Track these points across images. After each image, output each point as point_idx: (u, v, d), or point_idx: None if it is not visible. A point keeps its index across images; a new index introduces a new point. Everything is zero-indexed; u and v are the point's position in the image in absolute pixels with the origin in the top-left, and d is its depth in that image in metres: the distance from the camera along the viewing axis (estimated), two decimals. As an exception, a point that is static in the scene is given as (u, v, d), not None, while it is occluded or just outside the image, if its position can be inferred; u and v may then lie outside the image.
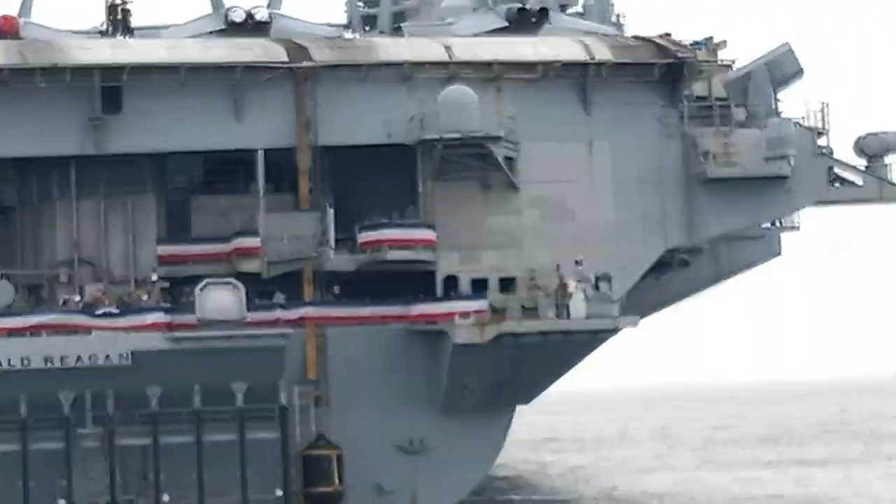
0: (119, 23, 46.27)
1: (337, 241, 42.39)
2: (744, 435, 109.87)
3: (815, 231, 55.75)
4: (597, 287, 42.70)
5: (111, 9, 46.16)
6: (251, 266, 42.21)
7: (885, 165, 47.08)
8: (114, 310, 41.18)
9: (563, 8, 52.22)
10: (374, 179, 44.20)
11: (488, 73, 43.15)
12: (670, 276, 51.85)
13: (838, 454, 76.21)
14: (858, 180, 46.89)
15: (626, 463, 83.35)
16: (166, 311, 41.34)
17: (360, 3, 53.99)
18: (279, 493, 41.01)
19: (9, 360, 40.45)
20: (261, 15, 44.91)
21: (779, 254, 56.82)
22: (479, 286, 43.71)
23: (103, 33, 46.22)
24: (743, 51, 48.95)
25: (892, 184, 47.34)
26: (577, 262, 42.64)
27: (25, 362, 40.18)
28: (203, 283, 41.18)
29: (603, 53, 44.15)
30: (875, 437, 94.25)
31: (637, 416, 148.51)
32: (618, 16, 53.40)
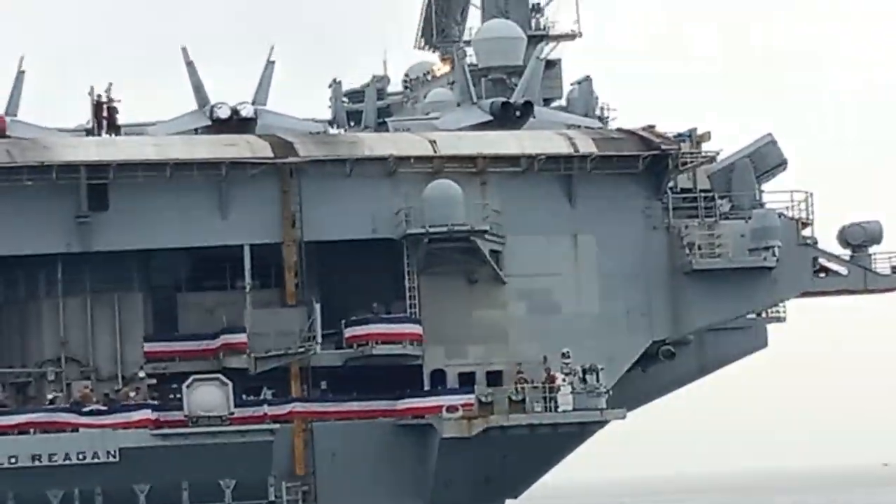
0: (105, 120, 46.46)
1: (323, 336, 42.53)
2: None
3: (801, 322, 55.00)
4: (584, 379, 42.39)
5: (97, 107, 46.11)
6: (238, 362, 42.24)
7: (869, 255, 47.15)
8: (101, 407, 41.14)
9: (546, 101, 52.36)
10: (361, 274, 44.22)
11: (473, 168, 43.25)
12: (657, 368, 50.61)
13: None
14: (843, 270, 47.17)
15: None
16: (153, 408, 41.39)
17: (345, 99, 53.22)
18: None
19: (-3, 458, 40.88)
20: (246, 111, 45.01)
21: (765, 345, 55.88)
22: (466, 380, 43.81)
23: (89, 131, 46.15)
24: (726, 142, 48.76)
25: (877, 273, 47.74)
26: (563, 355, 42.37)
27: (13, 461, 40.08)
28: (190, 379, 41.00)
29: (587, 146, 44.31)
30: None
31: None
32: (602, 108, 52.80)
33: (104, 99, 45.85)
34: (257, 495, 41.58)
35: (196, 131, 46.20)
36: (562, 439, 44.02)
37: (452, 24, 56.89)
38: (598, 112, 52.67)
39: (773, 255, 44.82)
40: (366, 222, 43.44)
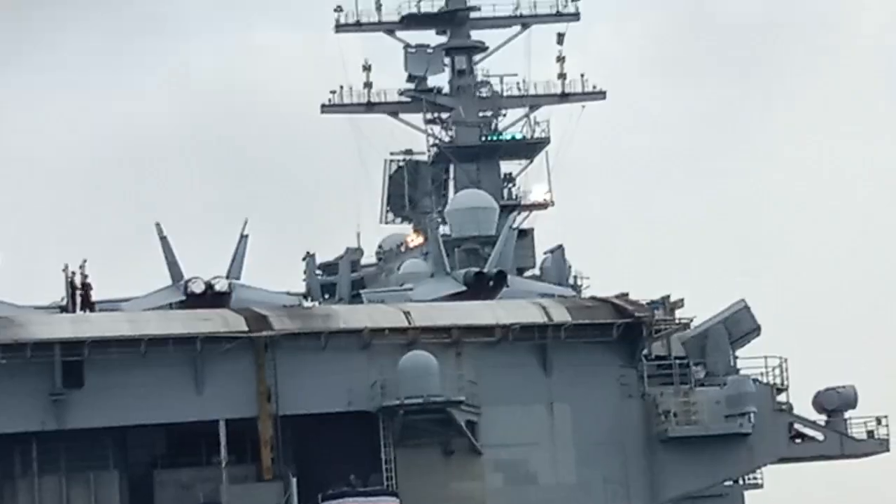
0: (80, 297, 46.58)
1: None
2: None
3: (778, 488, 55.12)
4: None
5: (71, 285, 46.39)
6: None
7: (845, 420, 46.85)
8: None
9: (520, 271, 53.08)
10: (337, 447, 43.50)
11: (448, 338, 42.78)
12: None
13: None
14: (819, 436, 46.82)
15: None
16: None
17: (319, 272, 53.98)
18: None
19: None
20: (220, 285, 45.04)
21: None
22: None
23: (63, 308, 46.15)
24: (700, 308, 48.90)
25: (853, 438, 47.02)
26: None
27: None
28: None
29: (561, 315, 43.95)
30: None
31: None
32: (575, 277, 53.88)
33: (78, 276, 45.96)
34: None
35: (171, 306, 46.03)
36: None
37: (424, 196, 57.24)
38: (571, 280, 53.45)
39: (749, 421, 44.17)
40: (341, 395, 43.04)
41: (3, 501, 43.74)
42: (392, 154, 58.98)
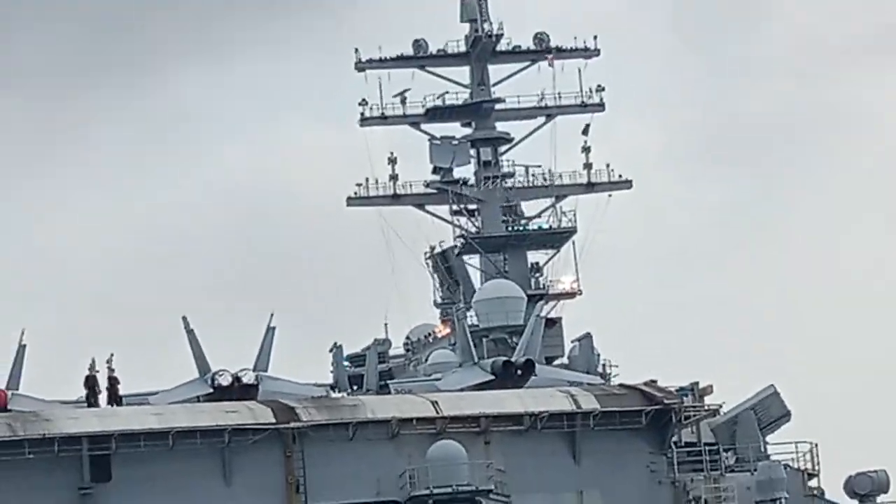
0: (94, 394, 46.38)
1: None
2: None
3: None
4: None
5: (88, 380, 45.95)
6: None
7: None
8: None
9: (548, 360, 52.61)
10: None
11: (476, 427, 42.45)
12: None
13: None
14: None
15: None
16: None
17: (347, 364, 53.76)
18: None
19: None
20: (248, 378, 44.65)
21: None
22: None
23: (91, 402, 45.67)
24: (729, 394, 48.57)
25: None
26: None
27: None
28: None
29: (589, 403, 43.64)
30: None
31: None
32: (604, 365, 53.14)
33: (106, 370, 45.49)
34: None
35: (198, 399, 45.68)
36: None
37: (453, 288, 57.14)
38: (599, 368, 52.71)
39: None
40: (370, 485, 42.53)
41: None
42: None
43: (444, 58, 59.00)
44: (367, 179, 61.31)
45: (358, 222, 65.03)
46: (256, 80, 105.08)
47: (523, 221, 62.26)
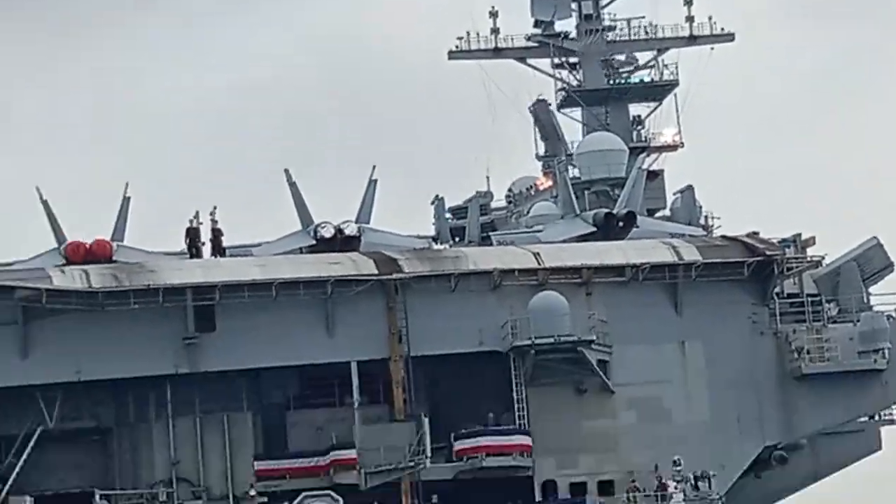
0: (196, 246, 47.33)
1: (433, 449, 42.45)
2: None
3: None
4: (696, 487, 42.14)
5: (189, 232, 46.83)
6: (348, 478, 42.15)
7: None
8: None
9: (650, 212, 52.83)
10: (468, 387, 43.70)
11: (578, 278, 43.02)
12: (770, 474, 49.77)
13: None
14: None
15: None
16: (265, 527, 42.24)
17: (449, 215, 54.25)
18: None
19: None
20: (350, 230, 45.25)
21: (879, 448, 54.74)
22: (578, 490, 43.53)
23: (191, 255, 47.41)
24: (831, 246, 48.69)
25: None
26: (674, 463, 41.93)
27: None
28: (301, 496, 41.52)
29: (691, 254, 44.30)
30: None
31: None
32: (706, 217, 53.02)
33: (210, 222, 46.60)
34: None
35: (301, 251, 46.60)
36: None
37: (554, 141, 57.15)
38: (701, 220, 52.85)
39: (884, 357, 44.46)
40: (472, 335, 43.04)
41: (140, 444, 45.39)
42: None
43: (544, -89, 58.91)
44: (468, 33, 60.62)
45: (460, 76, 65.02)
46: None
47: (625, 74, 62.27)
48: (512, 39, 61.15)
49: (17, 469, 44.85)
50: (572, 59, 61.97)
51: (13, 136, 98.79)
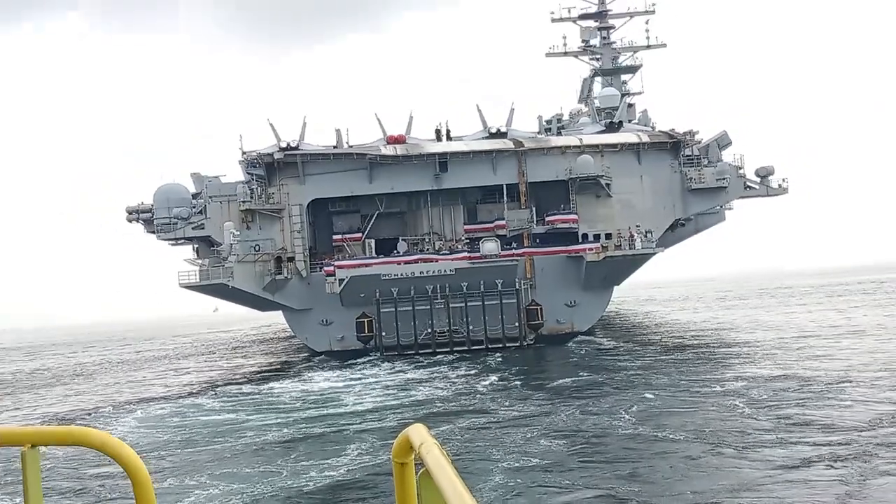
0: (440, 135, 75.76)
1: (536, 220, 72.93)
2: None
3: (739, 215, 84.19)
4: (646, 235, 70.22)
5: (436, 132, 76.38)
6: (500, 231, 73.96)
7: (770, 179, 75.81)
8: (446, 253, 72.67)
9: (630, 121, 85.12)
10: (552, 195, 74.53)
11: (597, 149, 73.03)
12: (677, 231, 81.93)
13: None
14: (756, 187, 76.11)
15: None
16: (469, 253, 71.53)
17: (546, 122, 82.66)
18: (516, 324, 70.79)
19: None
20: (502, 128, 75.83)
21: (724, 220, 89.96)
22: (597, 237, 72.17)
23: (438, 139, 76.52)
24: (707, 133, 78.56)
25: (773, 187, 76.38)
26: (637, 226, 70.35)
27: (407, 273, 71.45)
28: (482, 243, 71.48)
29: (645, 138, 73.94)
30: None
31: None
32: (652, 122, 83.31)
33: (445, 126, 76.36)
34: (511, 287, 70.50)
35: (484, 138, 75.58)
36: (635, 261, 72.30)
37: None
38: (650, 124, 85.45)
39: (726, 182, 73.53)
40: (555, 173, 73.81)
41: (420, 219, 77.44)
42: None
43: None
44: (559, 42, 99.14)
45: (549, 64, 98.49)
46: None
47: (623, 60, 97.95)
48: (572, 46, 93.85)
49: (367, 229, 75.92)
50: (597, 56, 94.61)
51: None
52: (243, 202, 73.28)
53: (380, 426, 39.18)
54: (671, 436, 33.05)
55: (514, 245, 74.37)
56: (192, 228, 75.30)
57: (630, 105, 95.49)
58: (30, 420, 51.05)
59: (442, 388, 51.18)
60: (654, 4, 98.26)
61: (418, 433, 4.25)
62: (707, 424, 34.74)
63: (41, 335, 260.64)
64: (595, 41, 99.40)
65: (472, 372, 58.78)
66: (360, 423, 40.23)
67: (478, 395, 47.36)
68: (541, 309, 72.75)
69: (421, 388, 51.93)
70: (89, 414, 51.19)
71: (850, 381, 42.79)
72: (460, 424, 38.21)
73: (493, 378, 54.50)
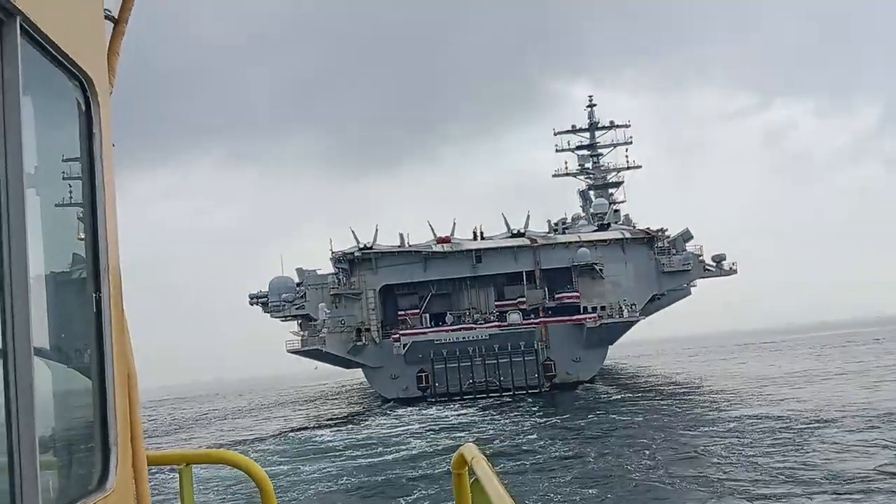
0: (476, 235, 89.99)
1: (543, 295, 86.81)
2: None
3: (701, 290, 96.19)
4: (631, 307, 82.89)
5: (474, 232, 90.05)
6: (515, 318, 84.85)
7: (723, 263, 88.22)
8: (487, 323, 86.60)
9: (616, 222, 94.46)
10: (560, 279, 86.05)
11: (592, 243, 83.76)
12: (654, 303, 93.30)
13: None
14: (713, 269, 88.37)
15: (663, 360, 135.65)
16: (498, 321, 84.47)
17: (554, 224, 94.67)
18: (535, 375, 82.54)
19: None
20: (519, 230, 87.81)
21: (690, 294, 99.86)
22: (594, 309, 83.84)
23: (475, 238, 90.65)
24: (675, 229, 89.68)
25: (725, 269, 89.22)
26: (624, 300, 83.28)
27: (454, 338, 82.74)
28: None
29: (628, 235, 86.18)
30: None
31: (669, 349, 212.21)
32: (633, 222, 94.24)
33: (479, 229, 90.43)
34: (531, 347, 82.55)
35: (508, 237, 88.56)
36: (624, 326, 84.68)
37: None
38: (632, 224, 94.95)
39: (689, 266, 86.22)
40: (564, 261, 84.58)
41: (461, 299, 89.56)
42: None
43: None
44: (561, 165, 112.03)
45: (555, 183, 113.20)
46: None
47: (609, 177, 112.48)
48: (571, 169, 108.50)
49: (423, 306, 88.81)
50: (590, 175, 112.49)
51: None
52: (333, 288, 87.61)
53: (439, 446, 45.43)
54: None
55: (532, 316, 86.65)
56: (296, 308, 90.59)
57: (616, 210, 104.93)
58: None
59: (480, 419, 60.70)
60: (631, 137, 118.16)
61: (470, 450, 4.87)
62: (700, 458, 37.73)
63: (195, 387, 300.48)
64: (588, 165, 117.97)
65: (504, 410, 68.73)
66: (426, 444, 47.92)
67: (506, 424, 56.62)
68: (554, 363, 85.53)
69: (464, 419, 61.82)
70: (232, 441, 61.11)
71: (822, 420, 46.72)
72: (495, 445, 44.50)
73: (513, 414, 64.23)
